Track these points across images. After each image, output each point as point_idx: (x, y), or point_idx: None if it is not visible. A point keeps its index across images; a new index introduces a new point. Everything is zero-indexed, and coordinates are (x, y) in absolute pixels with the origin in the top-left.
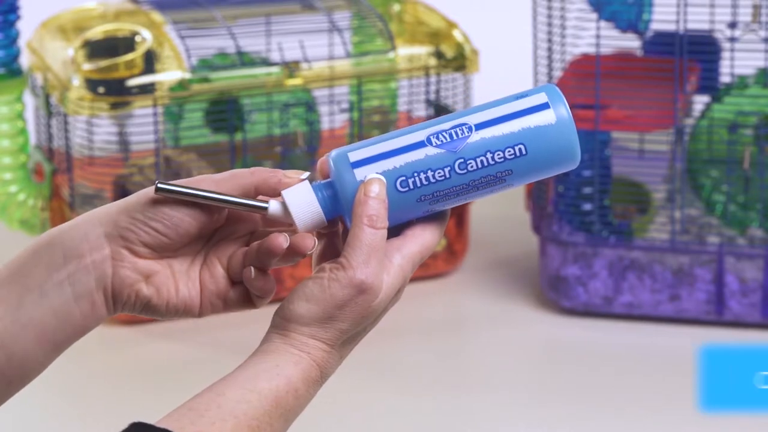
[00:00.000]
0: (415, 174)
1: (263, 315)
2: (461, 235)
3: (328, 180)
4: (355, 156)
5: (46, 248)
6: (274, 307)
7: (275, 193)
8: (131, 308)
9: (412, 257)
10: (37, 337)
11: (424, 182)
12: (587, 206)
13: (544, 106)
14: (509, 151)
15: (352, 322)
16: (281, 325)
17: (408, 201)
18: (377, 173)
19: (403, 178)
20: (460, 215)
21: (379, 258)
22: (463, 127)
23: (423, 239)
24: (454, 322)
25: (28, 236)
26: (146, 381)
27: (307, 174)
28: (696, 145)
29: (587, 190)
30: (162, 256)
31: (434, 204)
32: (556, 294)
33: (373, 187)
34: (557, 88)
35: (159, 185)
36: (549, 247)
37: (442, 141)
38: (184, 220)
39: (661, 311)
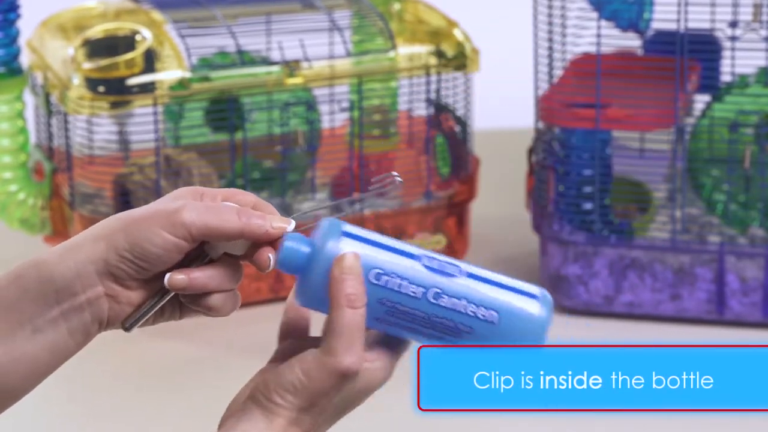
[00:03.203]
0: (393, 274)
1: (262, 316)
2: (462, 234)
3: (310, 238)
4: (349, 228)
5: (34, 284)
6: (270, 308)
7: (259, 239)
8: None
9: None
10: (30, 370)
11: (395, 288)
12: (588, 205)
13: (533, 296)
14: (482, 312)
15: (334, 408)
16: (266, 408)
17: (372, 296)
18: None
19: (381, 271)
20: (460, 215)
21: (362, 339)
22: (455, 269)
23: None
24: None
25: (28, 235)
26: (146, 381)
27: (293, 224)
28: (697, 144)
29: (588, 189)
30: (152, 281)
31: (388, 316)
32: (556, 293)
33: (349, 263)
34: (551, 298)
35: (126, 326)
36: (550, 246)
37: (431, 266)
38: (170, 254)
39: (662, 311)
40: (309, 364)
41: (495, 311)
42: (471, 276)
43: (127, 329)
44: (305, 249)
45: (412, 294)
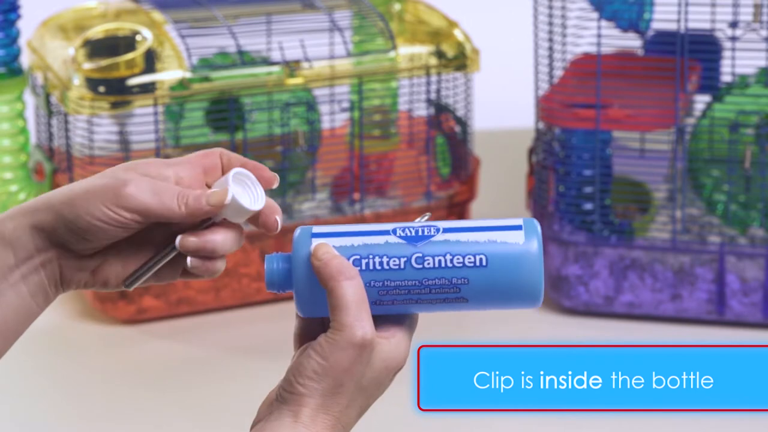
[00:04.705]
0: (371, 256)
1: (262, 316)
2: None
3: (288, 254)
4: (317, 229)
5: None
6: (270, 308)
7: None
8: (83, 290)
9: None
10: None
11: (377, 267)
12: (588, 205)
13: (516, 227)
14: (469, 258)
15: (360, 389)
16: (291, 401)
17: None
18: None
19: (357, 256)
20: (460, 215)
21: (368, 308)
22: (431, 228)
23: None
24: (454, 321)
25: None
26: (146, 381)
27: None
28: (697, 145)
29: (588, 189)
30: (105, 250)
31: (383, 296)
32: (557, 293)
33: (321, 249)
34: (536, 222)
35: (127, 284)
36: (550, 247)
37: (406, 234)
38: (115, 230)
39: (662, 311)
40: (323, 346)
41: (482, 254)
42: (447, 230)
43: (127, 286)
44: (285, 265)
45: (395, 267)
